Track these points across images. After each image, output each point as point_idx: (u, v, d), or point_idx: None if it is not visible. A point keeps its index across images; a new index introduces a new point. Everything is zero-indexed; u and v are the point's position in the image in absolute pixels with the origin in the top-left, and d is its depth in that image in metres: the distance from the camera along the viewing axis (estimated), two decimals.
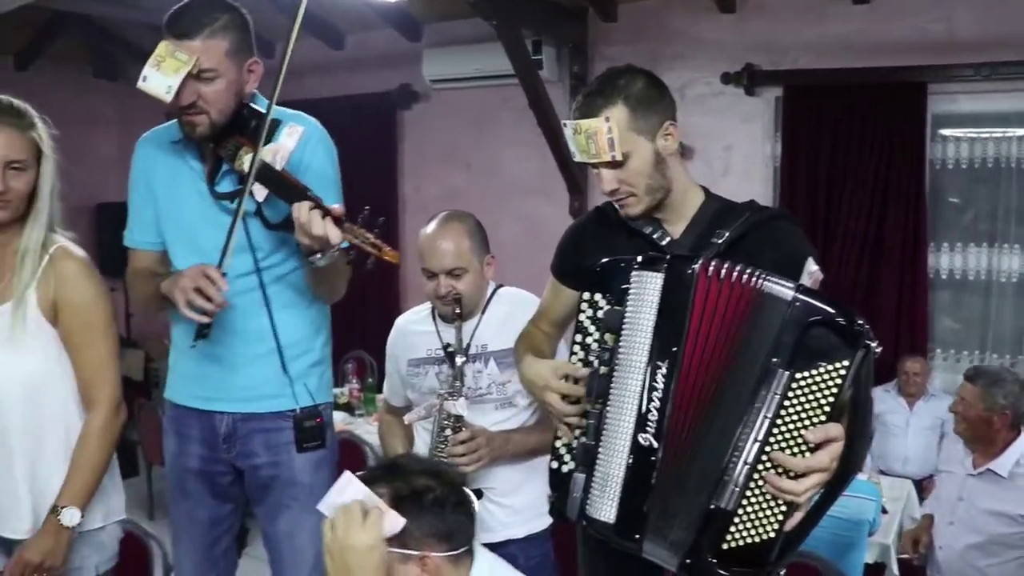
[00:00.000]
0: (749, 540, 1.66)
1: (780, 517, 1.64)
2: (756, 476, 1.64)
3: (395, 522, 1.54)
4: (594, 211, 2.09)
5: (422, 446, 2.43)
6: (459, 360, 2.26)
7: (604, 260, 1.84)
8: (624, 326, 1.76)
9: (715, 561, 1.68)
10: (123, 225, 2.30)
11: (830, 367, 1.59)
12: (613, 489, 1.75)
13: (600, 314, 1.83)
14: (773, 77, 5.06)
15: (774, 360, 1.61)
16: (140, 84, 1.93)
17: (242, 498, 2.33)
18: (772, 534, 1.65)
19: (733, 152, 5.25)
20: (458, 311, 2.28)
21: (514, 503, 2.38)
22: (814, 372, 1.60)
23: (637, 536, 1.74)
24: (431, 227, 2.35)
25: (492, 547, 2.20)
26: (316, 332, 2.26)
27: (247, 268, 2.11)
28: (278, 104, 2.07)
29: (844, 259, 4.92)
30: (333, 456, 2.31)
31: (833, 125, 4.91)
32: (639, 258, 1.78)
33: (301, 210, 1.88)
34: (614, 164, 1.84)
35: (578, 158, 1.87)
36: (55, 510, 2.02)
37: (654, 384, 1.71)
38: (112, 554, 2.22)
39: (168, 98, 1.93)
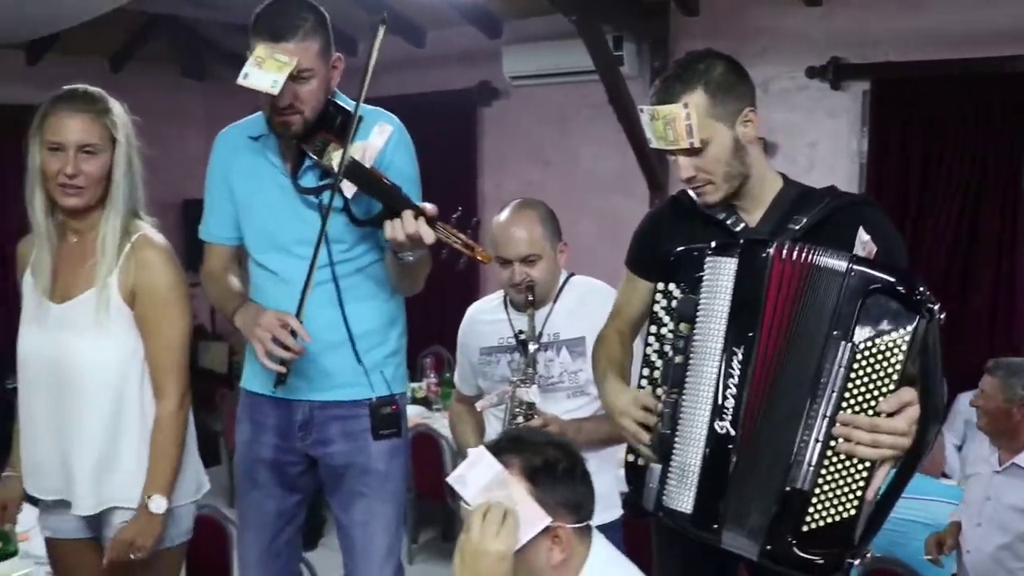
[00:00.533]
0: (829, 519, 1.63)
1: (859, 493, 1.61)
2: (829, 453, 1.62)
3: (540, 518, 1.56)
4: (670, 200, 2.07)
5: (493, 435, 2.44)
6: (532, 347, 2.29)
7: (678, 248, 1.83)
8: (699, 313, 1.75)
9: (796, 544, 1.65)
10: None
11: (893, 335, 1.58)
12: (690, 479, 1.74)
13: (674, 304, 1.82)
14: (861, 71, 4.91)
15: (835, 333, 1.61)
16: (241, 80, 1.98)
17: (310, 490, 2.38)
18: (853, 511, 1.62)
19: (818, 148, 5.13)
20: (531, 298, 2.30)
21: None
22: (877, 341, 1.58)
23: (715, 526, 1.73)
24: (504, 215, 2.38)
25: None
26: (392, 323, 2.30)
27: (323, 262, 2.14)
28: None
29: (934, 258, 4.74)
30: (407, 445, 2.34)
31: (925, 119, 4.74)
32: (713, 244, 1.77)
33: (403, 214, 1.94)
34: (692, 151, 1.81)
35: (654, 145, 1.85)
36: (145, 498, 2.12)
37: (730, 371, 1.70)
38: (186, 529, 2.29)
39: (275, 91, 1.97)
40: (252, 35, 2.03)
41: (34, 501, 2.36)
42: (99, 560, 2.20)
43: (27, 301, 2.20)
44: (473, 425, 2.55)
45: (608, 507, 2.26)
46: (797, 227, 1.81)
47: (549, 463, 1.61)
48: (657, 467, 1.81)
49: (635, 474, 1.87)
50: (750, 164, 1.86)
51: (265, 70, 1.96)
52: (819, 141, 5.11)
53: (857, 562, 1.67)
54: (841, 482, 1.62)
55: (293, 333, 2.02)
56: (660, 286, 1.85)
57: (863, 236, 1.78)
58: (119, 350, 2.13)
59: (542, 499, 1.58)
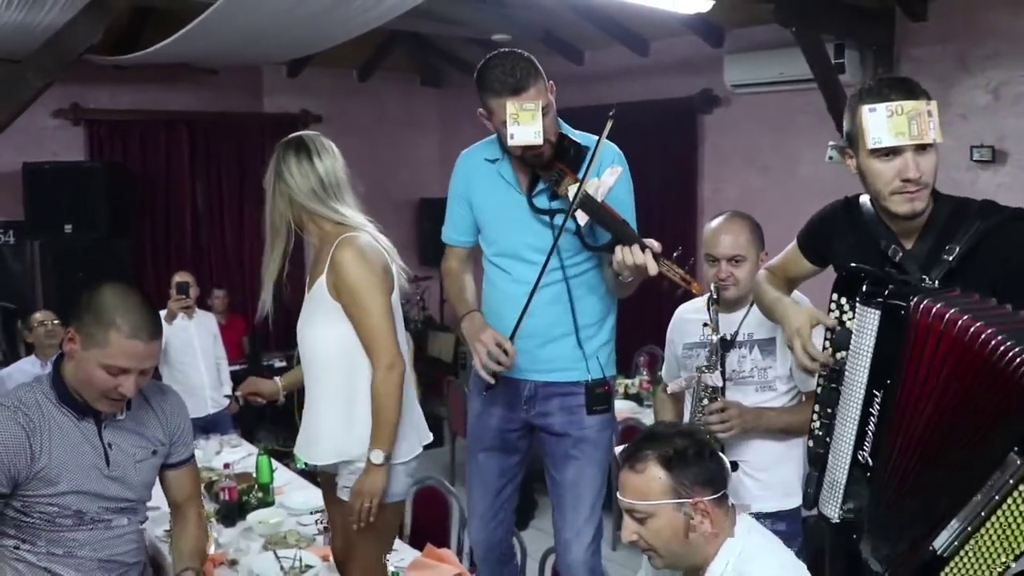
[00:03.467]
0: None
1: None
2: (975, 543, 1.70)
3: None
4: (844, 202, 2.15)
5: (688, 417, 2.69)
6: (714, 337, 2.51)
7: (851, 266, 1.94)
8: (850, 348, 1.89)
9: None
10: (442, 219, 2.75)
11: None
12: (837, 493, 1.93)
13: (843, 319, 1.95)
14: None
15: (1016, 450, 1.63)
16: (510, 142, 2.34)
17: (527, 452, 2.74)
18: None
19: None
20: (715, 297, 2.52)
21: (766, 478, 2.59)
22: None
23: (855, 536, 1.91)
24: (717, 220, 2.68)
25: None
26: (607, 316, 2.65)
27: (554, 265, 2.49)
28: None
29: None
30: (615, 421, 2.70)
31: None
32: (864, 288, 1.87)
33: (632, 246, 2.25)
34: (923, 150, 1.86)
35: (887, 142, 1.84)
36: (369, 455, 2.44)
37: (870, 410, 1.85)
38: (401, 489, 2.58)
39: (539, 140, 2.33)
40: (489, 95, 2.37)
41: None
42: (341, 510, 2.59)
43: (265, 297, 2.64)
44: (671, 411, 2.84)
45: (789, 494, 2.58)
46: (951, 257, 1.87)
47: (679, 450, 1.90)
48: (815, 474, 2.02)
49: (817, 464, 2.04)
50: None
51: (523, 124, 2.30)
52: None
53: None
54: (980, 567, 1.71)
55: (506, 352, 2.38)
56: (834, 296, 1.97)
57: None
58: (333, 333, 2.48)
59: (679, 482, 1.87)
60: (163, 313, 5.00)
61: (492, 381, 2.44)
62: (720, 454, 1.98)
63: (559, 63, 7.07)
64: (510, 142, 2.33)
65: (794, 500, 2.58)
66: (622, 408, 5.35)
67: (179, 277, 5.10)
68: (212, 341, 5.28)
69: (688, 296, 2.36)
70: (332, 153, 2.55)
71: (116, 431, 2.17)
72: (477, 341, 2.43)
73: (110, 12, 2.71)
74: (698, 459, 1.90)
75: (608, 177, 2.36)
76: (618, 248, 2.28)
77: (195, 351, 5.12)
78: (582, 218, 2.35)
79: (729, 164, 6.39)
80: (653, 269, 2.24)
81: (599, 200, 2.34)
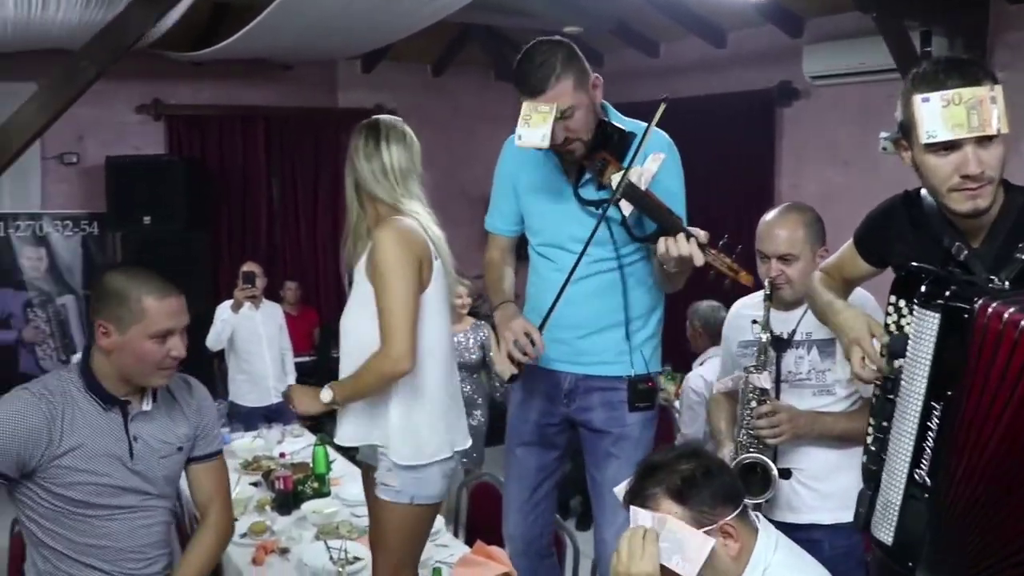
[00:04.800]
0: None
1: None
2: None
3: (704, 542, 1.69)
4: (904, 196, 1.95)
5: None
6: (763, 337, 2.38)
7: (912, 265, 1.77)
8: (907, 356, 1.72)
9: None
10: None
11: None
12: (892, 514, 1.75)
13: (899, 324, 1.78)
14: None
15: None
16: (517, 143, 2.27)
17: (566, 448, 2.64)
18: None
19: None
20: (768, 294, 2.40)
21: (823, 488, 2.41)
22: None
23: (911, 564, 1.72)
24: (771, 214, 2.49)
25: (796, 528, 2.27)
26: (653, 310, 2.54)
27: (609, 255, 2.42)
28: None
29: None
30: (657, 417, 2.57)
31: None
32: (922, 289, 1.69)
33: (676, 236, 2.15)
34: (985, 142, 1.65)
35: (942, 136, 1.64)
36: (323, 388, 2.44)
37: (928, 424, 1.66)
38: (434, 491, 2.51)
39: (545, 144, 2.25)
40: (518, 90, 2.31)
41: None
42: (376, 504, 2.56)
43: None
44: (726, 411, 2.64)
45: (849, 506, 2.23)
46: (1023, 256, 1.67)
47: (686, 477, 1.73)
48: (867, 492, 1.84)
49: (871, 480, 1.88)
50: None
51: (532, 126, 2.24)
52: None
53: None
54: None
55: (533, 343, 2.29)
56: (892, 299, 1.81)
57: None
58: (363, 316, 2.43)
59: (698, 510, 1.71)
60: (229, 303, 5.07)
61: (515, 370, 2.35)
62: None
63: (633, 56, 6.97)
64: (516, 142, 2.27)
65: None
66: None
67: (246, 267, 5.16)
68: (278, 332, 5.33)
69: (736, 287, 2.21)
70: (404, 140, 2.50)
71: (142, 424, 2.15)
72: (506, 329, 2.35)
73: (161, 3, 2.71)
74: (708, 479, 1.74)
75: (651, 164, 2.26)
76: (661, 239, 2.18)
77: (261, 340, 5.17)
78: (626, 207, 2.27)
79: (808, 159, 6.17)
80: (699, 259, 2.14)
81: (643, 188, 2.25)
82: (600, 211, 2.34)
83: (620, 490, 1.85)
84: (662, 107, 2.27)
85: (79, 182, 6.99)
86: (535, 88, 2.26)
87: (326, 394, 2.42)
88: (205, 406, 2.31)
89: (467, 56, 7.82)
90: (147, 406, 2.16)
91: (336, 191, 7.64)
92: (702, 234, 2.16)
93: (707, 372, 4.08)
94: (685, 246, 2.14)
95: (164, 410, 2.20)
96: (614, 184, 2.26)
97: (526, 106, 2.25)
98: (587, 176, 2.40)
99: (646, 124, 2.37)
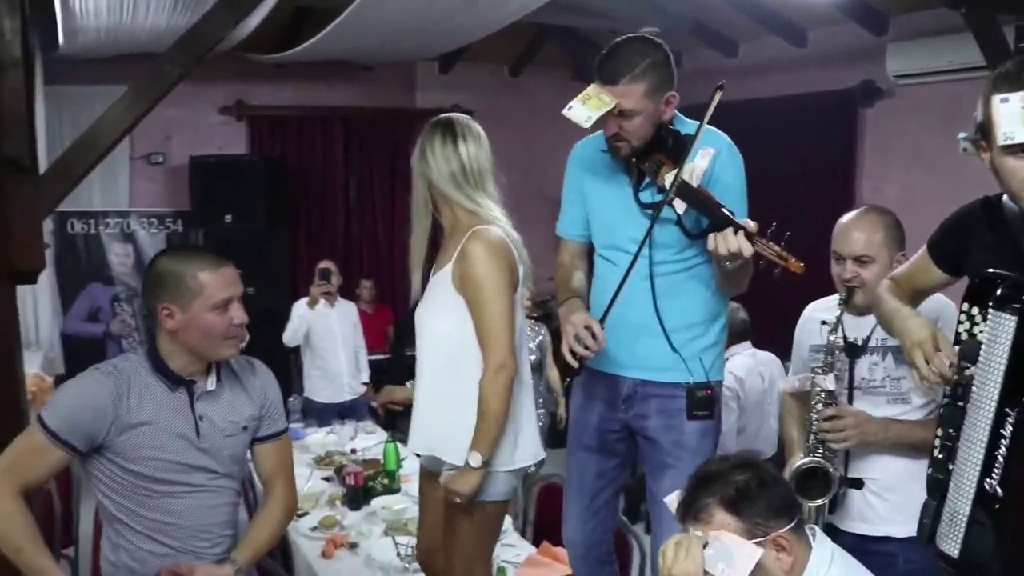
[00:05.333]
0: None
1: None
2: None
3: (752, 552, 1.67)
4: (983, 201, 1.89)
5: None
6: (832, 337, 2.33)
7: (988, 272, 1.71)
8: (979, 361, 1.66)
9: None
10: None
11: None
12: (959, 526, 1.68)
13: (964, 335, 1.73)
14: None
15: None
16: (564, 111, 2.27)
17: (627, 456, 2.60)
18: None
19: None
20: (843, 298, 2.35)
21: (896, 500, 2.32)
22: None
23: None
24: (849, 215, 2.44)
25: (869, 540, 2.21)
26: (714, 318, 2.48)
27: (669, 258, 2.38)
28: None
29: None
30: (718, 429, 2.50)
31: None
32: (999, 291, 1.64)
33: (724, 231, 2.14)
34: None
35: (1020, 138, 1.60)
36: (468, 457, 2.40)
37: (1001, 432, 1.60)
38: (505, 489, 2.53)
39: (587, 126, 2.26)
40: (594, 72, 2.30)
41: None
42: (437, 493, 2.55)
43: (414, 280, 2.64)
44: (798, 417, 2.57)
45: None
46: None
47: (740, 488, 1.70)
48: (932, 503, 1.78)
49: (937, 490, 1.81)
50: None
51: (587, 106, 2.23)
52: None
53: None
54: None
55: (594, 336, 2.26)
56: (965, 307, 1.75)
57: None
58: (448, 322, 2.45)
59: (752, 522, 1.68)
60: (306, 299, 5.16)
61: (575, 364, 2.31)
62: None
63: (711, 56, 6.88)
64: (564, 111, 2.25)
65: None
66: None
67: (322, 264, 5.26)
68: (352, 330, 5.41)
69: (786, 275, 2.15)
70: (479, 140, 2.51)
71: (208, 404, 2.20)
72: (567, 323, 2.33)
73: (240, 7, 2.77)
74: (763, 490, 1.71)
75: (701, 160, 2.24)
76: (711, 235, 2.16)
77: (335, 338, 5.25)
78: (680, 206, 2.25)
79: (891, 161, 6.01)
80: (748, 250, 2.11)
81: (694, 185, 2.22)
82: (657, 214, 2.32)
83: (672, 500, 1.83)
84: (717, 96, 2.24)
85: (165, 181, 7.21)
86: (607, 77, 2.26)
87: (475, 459, 2.38)
88: (269, 386, 2.35)
89: (544, 57, 7.82)
90: (211, 385, 2.21)
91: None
92: (751, 224, 2.14)
93: (734, 367, 4.09)
94: (733, 240, 2.12)
95: (228, 390, 2.25)
96: (667, 184, 2.24)
97: (592, 87, 2.25)
98: (647, 180, 2.38)
99: (706, 127, 2.34)
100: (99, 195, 6.98)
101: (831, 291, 2.46)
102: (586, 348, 2.26)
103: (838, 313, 2.38)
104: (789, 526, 1.71)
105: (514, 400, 2.45)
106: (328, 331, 5.24)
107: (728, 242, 2.12)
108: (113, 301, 6.85)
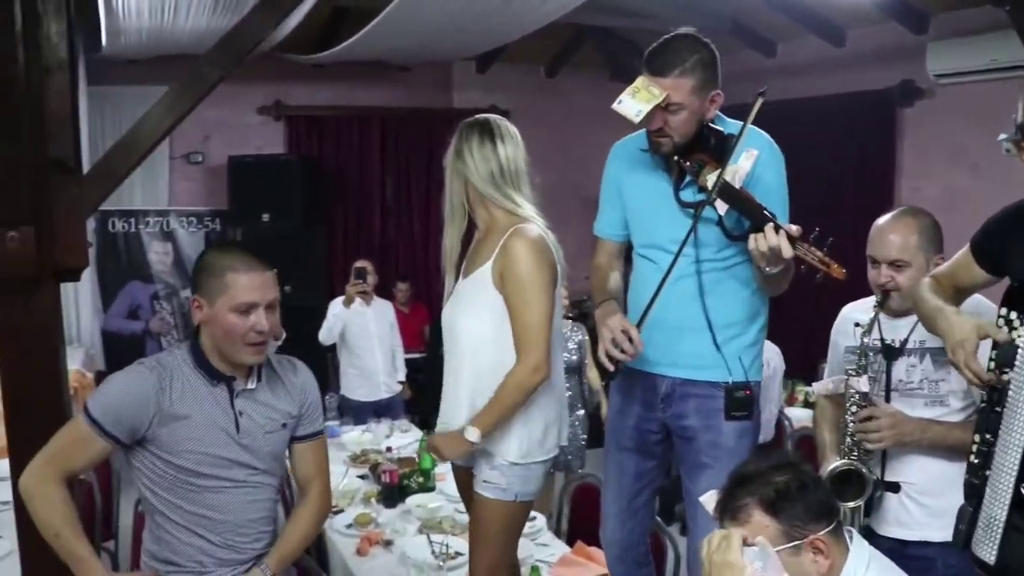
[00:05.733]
0: None
1: None
2: None
3: (788, 562, 1.68)
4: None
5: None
6: (866, 340, 2.32)
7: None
8: (1016, 366, 1.65)
9: None
10: None
11: None
12: (995, 532, 1.67)
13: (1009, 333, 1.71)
14: None
15: None
16: (614, 106, 2.25)
17: (664, 457, 2.60)
18: None
19: None
20: (880, 301, 2.33)
21: (934, 504, 2.30)
22: None
23: None
24: (885, 218, 2.41)
25: (906, 544, 2.18)
26: (753, 318, 2.46)
27: (691, 260, 2.37)
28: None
29: None
30: (757, 430, 2.48)
31: None
32: None
33: (766, 230, 2.13)
34: None
35: None
36: (466, 428, 2.42)
37: None
38: (536, 487, 2.54)
39: (636, 120, 2.24)
40: (642, 65, 2.29)
41: None
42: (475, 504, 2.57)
43: (448, 281, 2.66)
44: (831, 420, 2.56)
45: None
46: None
47: (780, 490, 1.70)
48: (968, 508, 1.77)
49: (973, 496, 1.80)
50: None
51: (636, 100, 2.22)
52: None
53: None
54: None
55: (630, 340, 2.26)
56: (1003, 311, 1.74)
57: None
58: (487, 326, 2.45)
59: (790, 524, 1.68)
60: (342, 298, 5.20)
61: (611, 368, 2.30)
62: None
63: (749, 56, 6.84)
64: (614, 105, 2.24)
65: None
66: (801, 417, 5.11)
67: (358, 263, 5.29)
68: (389, 329, 5.44)
69: (828, 281, 2.14)
70: (515, 140, 2.52)
71: (247, 400, 2.23)
72: (604, 326, 2.32)
73: (279, 9, 2.80)
74: (803, 492, 1.71)
75: (744, 162, 2.23)
76: (751, 236, 2.15)
77: (371, 337, 5.28)
78: (722, 207, 2.24)
79: (931, 162, 5.94)
80: (788, 251, 2.10)
81: (737, 186, 2.22)
82: (698, 213, 2.30)
83: (709, 499, 1.82)
84: (759, 101, 2.24)
85: (203, 180, 7.30)
86: (657, 68, 2.25)
87: (472, 433, 2.41)
88: (309, 387, 2.37)
89: (581, 57, 7.81)
90: (252, 384, 2.23)
91: None
92: (793, 228, 2.14)
93: None
94: (773, 237, 2.11)
95: (268, 388, 2.27)
96: (709, 184, 2.24)
97: (640, 79, 2.25)
98: (688, 179, 2.37)
99: (749, 127, 2.34)
100: (140, 194, 7.08)
101: (868, 292, 2.44)
102: (622, 352, 2.26)
103: (872, 315, 2.36)
104: (827, 529, 1.70)
105: (544, 394, 2.48)
106: (364, 329, 5.27)
107: (769, 240, 2.12)
108: (152, 299, 6.95)
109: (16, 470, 2.32)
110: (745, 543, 1.69)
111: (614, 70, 8.10)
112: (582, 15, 5.60)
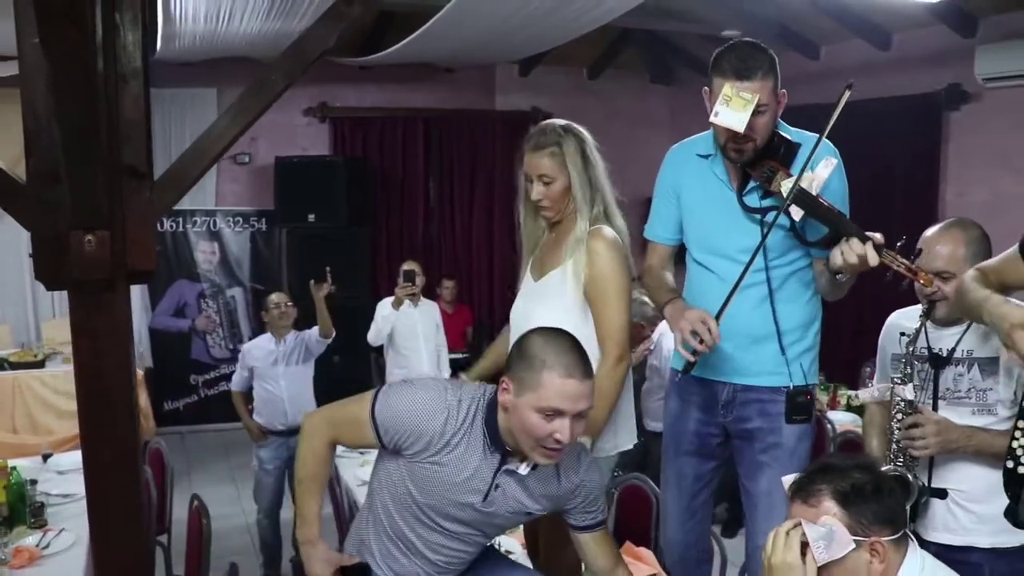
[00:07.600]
0: None
1: None
2: None
3: (846, 542, 1.72)
4: None
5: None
6: (910, 348, 2.36)
7: None
8: None
9: None
10: None
11: None
12: None
13: None
14: None
15: None
16: (713, 119, 2.29)
17: (723, 458, 2.65)
18: None
19: None
20: (926, 310, 2.35)
21: (981, 510, 2.31)
22: None
23: None
24: (934, 228, 2.42)
25: (952, 550, 2.21)
26: (811, 322, 2.52)
27: (758, 267, 2.39)
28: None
29: None
30: (814, 430, 2.55)
31: None
32: None
33: (851, 240, 2.17)
34: None
35: None
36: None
37: None
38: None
39: (742, 129, 2.26)
40: (715, 74, 2.32)
41: None
42: None
43: (522, 279, 2.72)
44: (879, 426, 2.59)
45: (1009, 530, 2.19)
46: None
47: (856, 486, 1.74)
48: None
49: (1014, 481, 1.85)
50: None
51: (732, 108, 2.25)
52: None
53: None
54: None
55: (710, 331, 2.28)
56: None
57: None
58: (569, 318, 2.48)
59: (857, 520, 1.72)
60: (390, 300, 5.27)
61: (692, 359, 2.33)
62: (901, 490, 1.80)
63: (792, 59, 6.82)
64: (712, 119, 2.27)
65: (1019, 537, 2.25)
66: (844, 420, 5.10)
67: (406, 265, 5.34)
68: (434, 329, 5.49)
69: (912, 287, 2.19)
70: None
71: (510, 479, 2.16)
72: (682, 319, 2.34)
73: (344, 19, 2.87)
74: (877, 495, 1.74)
75: (822, 170, 2.26)
76: (837, 246, 2.18)
77: (418, 338, 5.33)
78: (796, 213, 2.27)
79: (977, 166, 5.90)
80: (874, 259, 2.14)
81: (814, 194, 2.25)
82: (766, 219, 2.35)
83: (788, 479, 1.87)
84: (846, 94, 2.22)
85: (249, 181, 7.42)
86: (743, 73, 2.27)
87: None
88: (589, 482, 2.27)
89: (623, 60, 7.84)
90: (524, 471, 2.15)
91: (492, 191, 7.81)
92: (878, 236, 2.17)
93: None
94: (860, 247, 2.14)
95: (538, 479, 2.19)
96: (784, 191, 2.27)
97: (728, 87, 2.26)
98: (751, 184, 2.41)
99: (811, 135, 2.37)
100: (187, 194, 7.18)
101: (913, 300, 2.46)
102: (701, 343, 2.29)
103: (918, 324, 2.38)
104: (891, 537, 1.74)
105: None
106: (411, 330, 5.33)
107: (855, 249, 2.15)
108: (199, 297, 7.08)
109: (89, 464, 2.39)
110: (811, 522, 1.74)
111: (655, 73, 8.12)
112: (626, 18, 5.62)
